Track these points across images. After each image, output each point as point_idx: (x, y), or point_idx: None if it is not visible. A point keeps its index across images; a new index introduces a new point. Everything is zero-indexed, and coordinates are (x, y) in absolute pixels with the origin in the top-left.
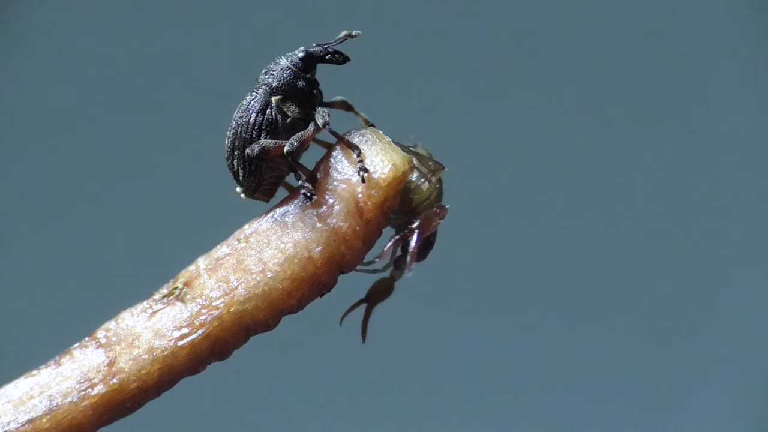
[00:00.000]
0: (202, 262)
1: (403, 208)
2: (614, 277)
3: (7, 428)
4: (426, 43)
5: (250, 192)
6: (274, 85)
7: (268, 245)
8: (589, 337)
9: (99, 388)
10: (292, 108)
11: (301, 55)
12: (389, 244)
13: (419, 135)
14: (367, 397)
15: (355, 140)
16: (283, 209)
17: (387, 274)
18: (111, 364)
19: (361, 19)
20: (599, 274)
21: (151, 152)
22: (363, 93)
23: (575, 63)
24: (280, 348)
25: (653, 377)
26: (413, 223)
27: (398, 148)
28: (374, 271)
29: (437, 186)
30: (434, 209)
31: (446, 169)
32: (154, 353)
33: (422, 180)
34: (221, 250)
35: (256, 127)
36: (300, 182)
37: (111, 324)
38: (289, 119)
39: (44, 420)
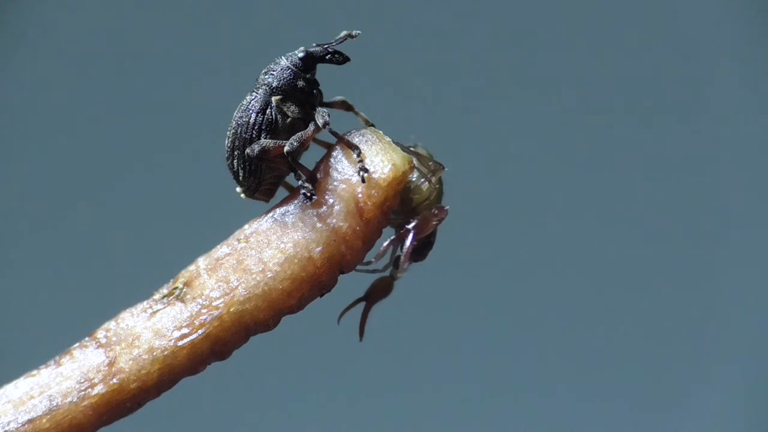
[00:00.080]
0: (202, 262)
1: (403, 208)
2: (614, 277)
3: (7, 428)
4: (426, 43)
5: (250, 192)
6: (274, 85)
7: (268, 245)
8: (589, 337)
9: (99, 388)
10: (292, 108)
11: (301, 55)
12: (386, 244)
13: (419, 135)
14: (367, 397)
15: (355, 140)
16: (283, 209)
17: (387, 273)
18: (111, 364)
19: (361, 19)
20: (599, 274)
21: (151, 152)
22: (363, 93)
23: (575, 63)
24: (280, 348)
25: (653, 377)
26: (411, 223)
27: (398, 148)
28: (374, 271)
29: (437, 186)
30: (433, 210)
31: (446, 169)
32: (154, 353)
33: (422, 180)
34: (221, 250)
35: (256, 127)
36: (300, 182)
37: (111, 324)
38: (289, 119)
39: (44, 420)
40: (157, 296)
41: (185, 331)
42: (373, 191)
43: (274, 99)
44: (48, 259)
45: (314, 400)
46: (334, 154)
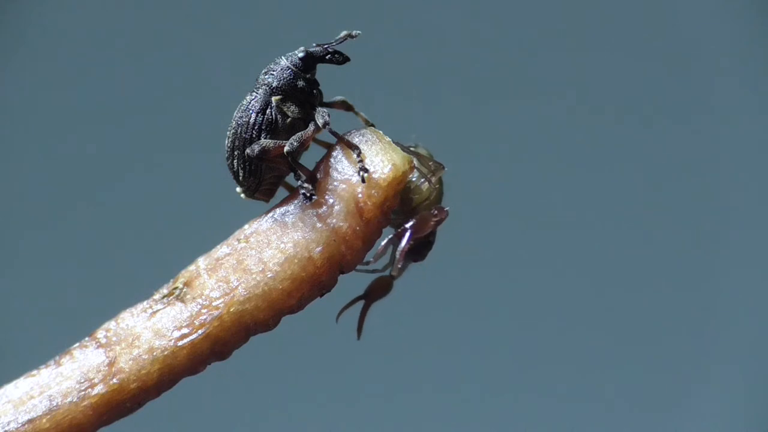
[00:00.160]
0: (202, 262)
1: (403, 208)
2: (614, 277)
3: (7, 428)
4: (426, 43)
5: (250, 192)
6: (274, 85)
7: (268, 245)
8: (589, 337)
9: (99, 388)
10: (292, 108)
11: (301, 55)
12: (383, 242)
13: (420, 135)
14: (367, 397)
15: (355, 140)
16: (283, 209)
17: (387, 273)
18: (111, 364)
19: (361, 19)
20: (599, 274)
21: (151, 152)
22: (363, 93)
23: (575, 63)
24: (280, 348)
25: (653, 377)
26: (409, 221)
27: (398, 148)
28: (374, 271)
29: (437, 186)
30: (433, 210)
31: (446, 169)
32: (154, 353)
33: (422, 180)
34: (221, 250)
35: (256, 127)
36: (300, 182)
37: (111, 324)
38: (289, 119)
39: (44, 420)
40: (157, 296)
41: (185, 331)
42: (373, 191)
43: (274, 99)
44: (48, 259)
45: (314, 400)
46: (334, 154)
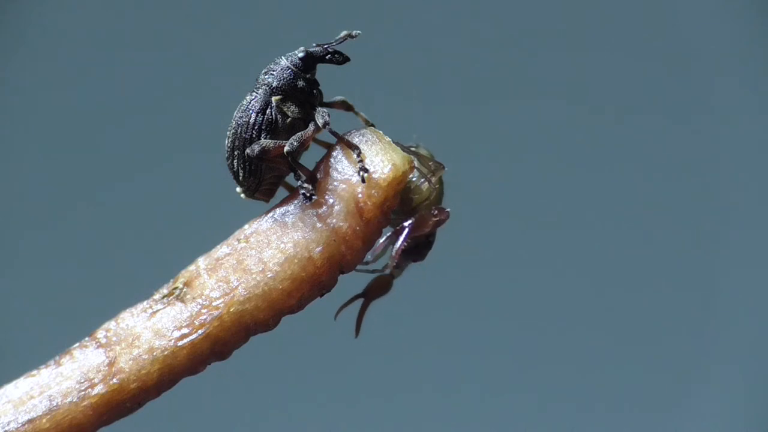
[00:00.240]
0: (202, 262)
1: (403, 208)
2: (614, 277)
3: (7, 428)
4: (426, 43)
5: (250, 192)
6: (274, 85)
7: (268, 245)
8: (589, 337)
9: (99, 388)
10: (292, 108)
11: (301, 55)
12: (381, 241)
13: (420, 135)
14: (367, 397)
15: (355, 140)
16: (283, 209)
17: (387, 272)
18: (111, 364)
19: (361, 19)
20: (599, 274)
21: (151, 152)
22: (363, 93)
23: (575, 63)
24: (280, 348)
25: (653, 377)
26: (408, 220)
27: (398, 148)
28: (374, 271)
29: (437, 186)
30: (433, 210)
31: (446, 169)
32: (154, 353)
33: (422, 180)
34: (221, 250)
35: (256, 127)
36: (300, 182)
37: (111, 324)
38: (289, 119)
39: (44, 420)
40: (157, 296)
41: (185, 331)
42: (373, 191)
43: (274, 99)
44: (48, 259)
45: (314, 400)
46: (334, 154)
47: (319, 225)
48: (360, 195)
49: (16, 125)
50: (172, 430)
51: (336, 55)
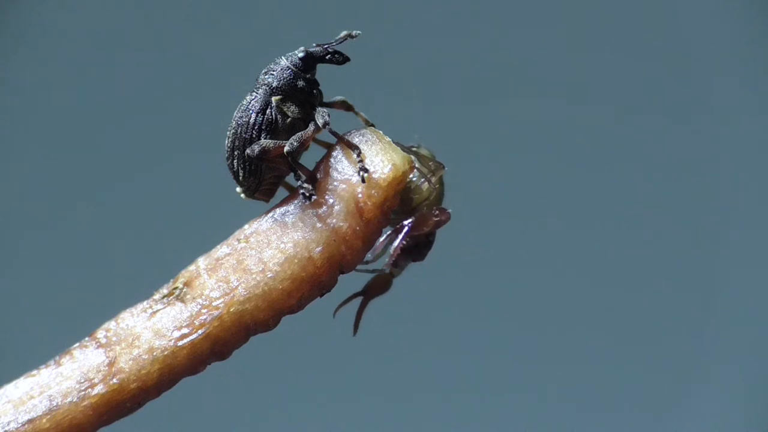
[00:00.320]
0: (202, 262)
1: (403, 208)
2: (614, 277)
3: (7, 428)
4: (426, 43)
5: (250, 192)
6: (274, 85)
7: (268, 245)
8: (589, 337)
9: (99, 388)
10: (292, 108)
11: (301, 55)
12: (381, 239)
13: (420, 135)
14: (367, 397)
15: (355, 140)
16: (283, 209)
17: (387, 271)
18: (111, 364)
19: (361, 19)
20: (599, 274)
21: (151, 152)
22: (363, 93)
23: (575, 63)
24: (280, 348)
25: (653, 377)
26: (408, 219)
27: (398, 148)
28: (374, 271)
29: (437, 186)
30: (433, 210)
31: (446, 169)
32: (154, 353)
33: (422, 180)
34: (221, 250)
35: (256, 127)
36: (300, 182)
37: (111, 324)
38: (289, 119)
39: (44, 420)
40: (157, 296)
41: (185, 331)
42: (373, 191)
43: (274, 99)
44: (48, 259)
45: (314, 400)
46: (334, 154)
47: (319, 225)
48: (360, 195)
49: (16, 125)
50: (172, 430)
51: (336, 55)
